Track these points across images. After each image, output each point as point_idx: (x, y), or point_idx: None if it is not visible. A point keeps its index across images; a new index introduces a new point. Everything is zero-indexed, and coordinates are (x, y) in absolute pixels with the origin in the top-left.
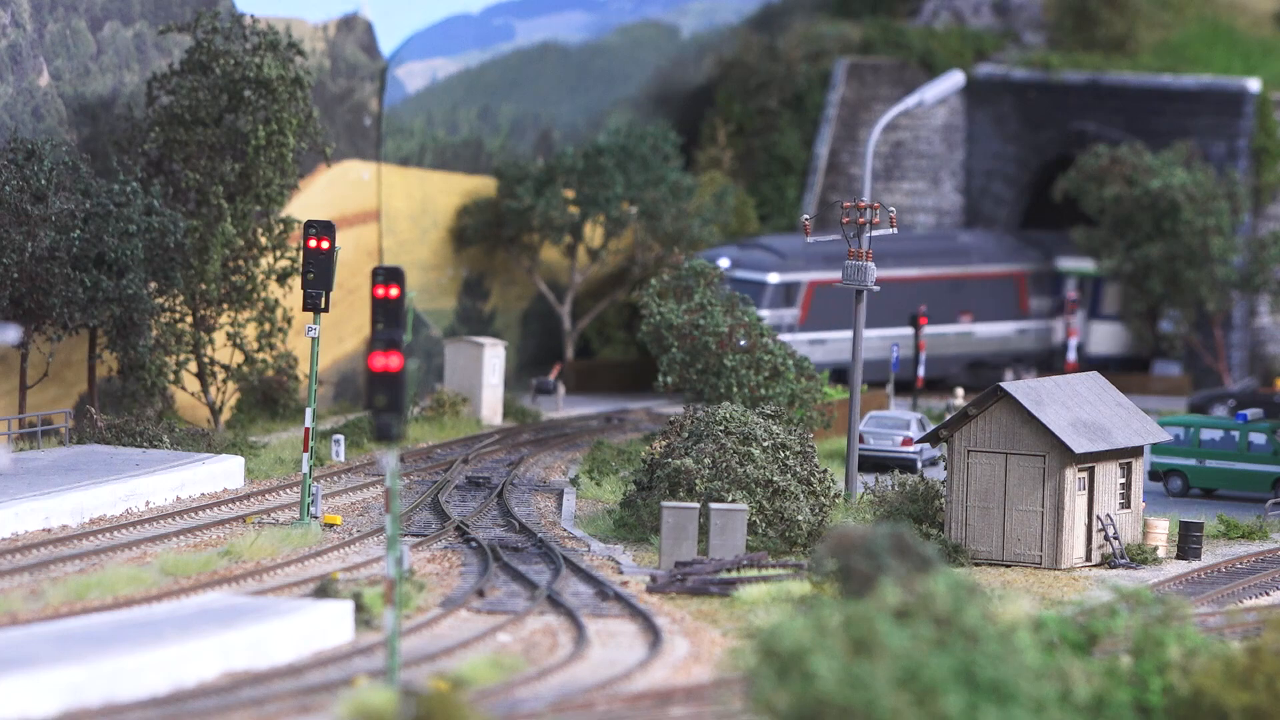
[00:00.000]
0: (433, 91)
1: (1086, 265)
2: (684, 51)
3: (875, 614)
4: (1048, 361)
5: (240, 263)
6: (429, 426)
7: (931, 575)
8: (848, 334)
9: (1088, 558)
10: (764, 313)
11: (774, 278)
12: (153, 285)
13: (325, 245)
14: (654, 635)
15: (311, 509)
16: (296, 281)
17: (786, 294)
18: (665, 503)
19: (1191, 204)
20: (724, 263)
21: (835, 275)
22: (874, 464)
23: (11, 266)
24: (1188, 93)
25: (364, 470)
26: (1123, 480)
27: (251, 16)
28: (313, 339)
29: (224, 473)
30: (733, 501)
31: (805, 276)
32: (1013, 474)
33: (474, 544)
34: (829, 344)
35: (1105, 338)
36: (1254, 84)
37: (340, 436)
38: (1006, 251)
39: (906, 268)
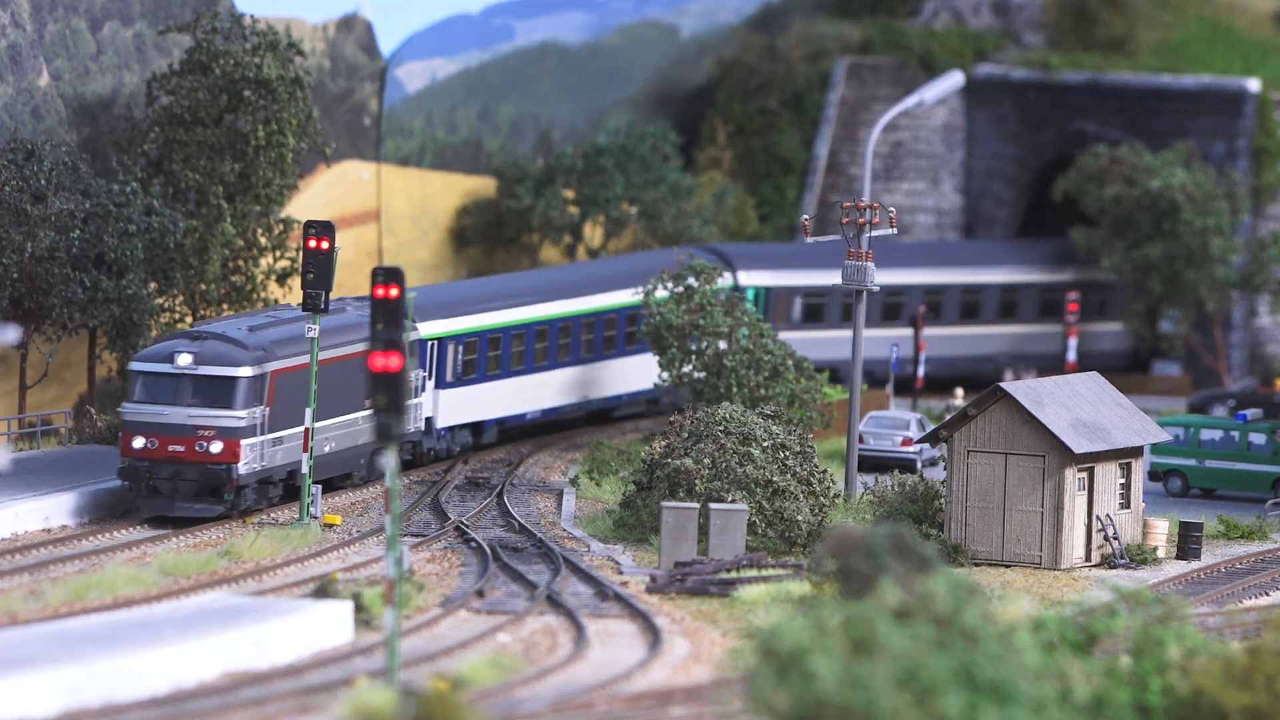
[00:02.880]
0: (432, 91)
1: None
2: (684, 51)
3: (875, 614)
4: None
5: (240, 263)
6: None
7: (931, 575)
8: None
9: (1087, 558)
10: (240, 414)
11: (246, 371)
12: (152, 285)
13: (325, 245)
14: (654, 635)
15: (311, 509)
16: (296, 281)
17: (258, 389)
18: (665, 503)
19: (1191, 204)
20: (185, 359)
21: (309, 358)
22: (874, 464)
23: (11, 266)
24: (1187, 93)
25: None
26: (1122, 480)
27: (251, 16)
28: (312, 339)
29: None
30: (732, 501)
31: (270, 366)
32: (1012, 474)
33: (474, 544)
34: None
35: None
36: (1254, 84)
37: None
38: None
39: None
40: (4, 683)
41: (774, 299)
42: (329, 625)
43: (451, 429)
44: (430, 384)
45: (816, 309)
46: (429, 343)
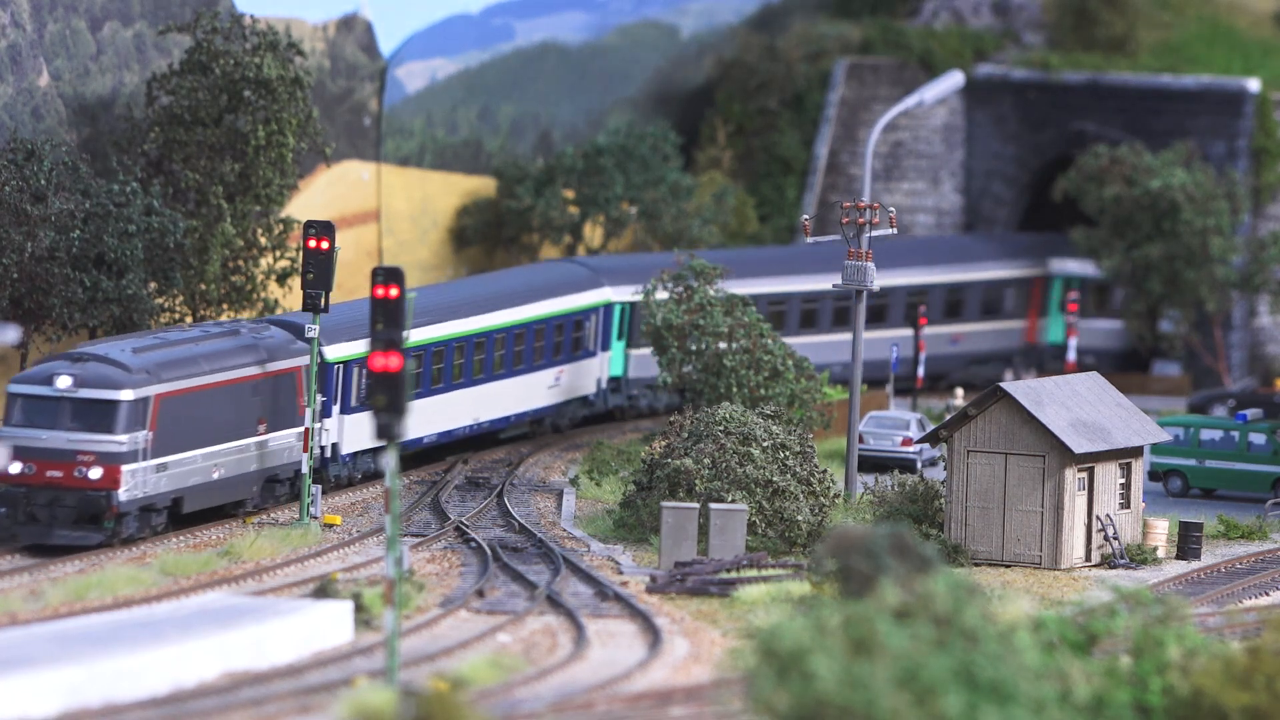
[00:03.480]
0: (432, 92)
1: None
2: (684, 51)
3: (875, 614)
4: None
5: (240, 263)
6: None
7: (931, 575)
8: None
9: (1087, 558)
10: (121, 439)
11: (127, 395)
12: (152, 285)
13: (325, 245)
14: (654, 635)
15: (311, 509)
16: (296, 282)
17: (141, 413)
18: (665, 503)
19: (1191, 204)
20: (64, 381)
21: (197, 381)
22: (874, 464)
23: (11, 266)
24: (1187, 93)
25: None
26: (1122, 480)
27: (251, 17)
28: (312, 339)
29: None
30: (732, 501)
31: (154, 389)
32: (1012, 474)
33: (474, 544)
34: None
35: None
36: (1254, 84)
37: None
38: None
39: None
40: (4, 683)
41: (638, 316)
42: (329, 625)
43: (355, 455)
44: (336, 409)
45: None
46: (335, 366)
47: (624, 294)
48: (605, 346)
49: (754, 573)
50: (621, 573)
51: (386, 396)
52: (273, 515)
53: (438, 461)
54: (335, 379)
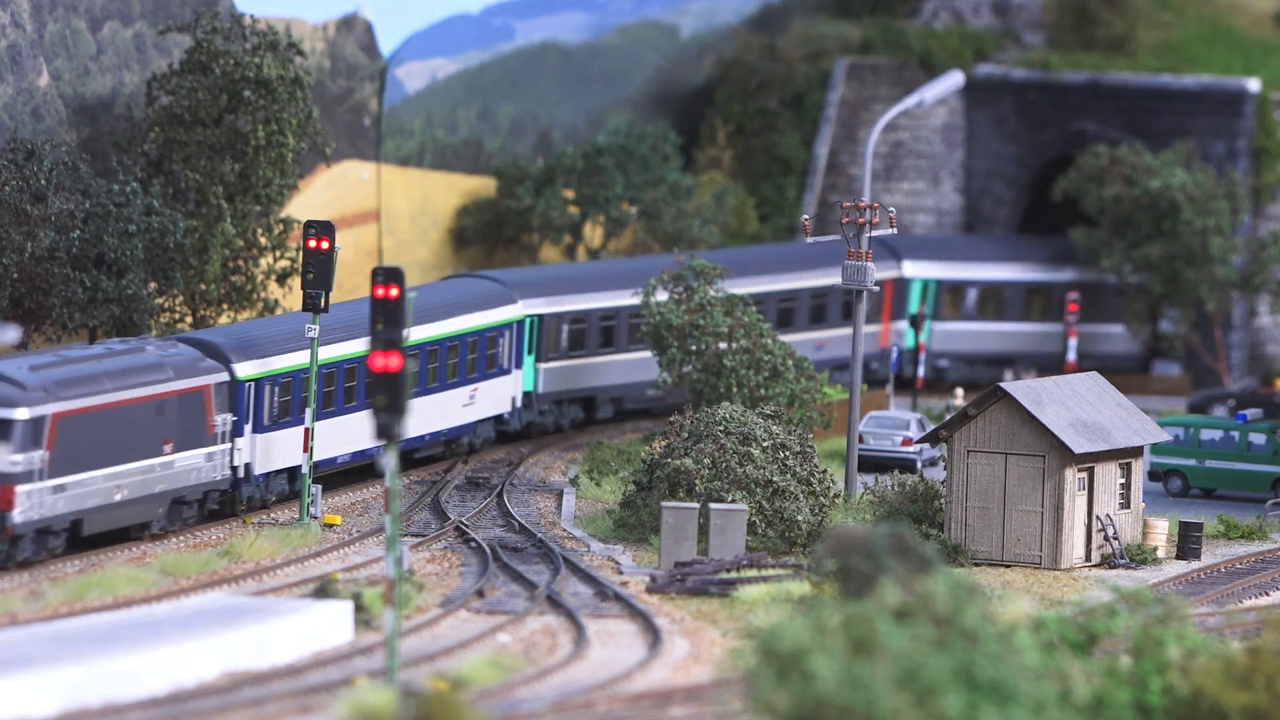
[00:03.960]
0: (432, 91)
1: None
2: (684, 51)
3: (875, 614)
4: None
5: (240, 263)
6: None
7: (931, 575)
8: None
9: (1087, 558)
10: (16, 459)
11: (22, 413)
12: (152, 285)
13: (325, 245)
14: (654, 635)
15: (311, 509)
16: (296, 282)
17: (36, 432)
18: (665, 503)
19: (1191, 204)
20: None
21: (97, 399)
22: (874, 464)
23: (11, 266)
24: (1187, 93)
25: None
26: (1122, 480)
27: (251, 17)
28: (312, 339)
29: None
30: (732, 501)
31: (51, 408)
32: (1012, 474)
33: (474, 544)
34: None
35: None
36: (1254, 84)
37: None
38: None
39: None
40: (4, 683)
41: (547, 329)
42: (329, 625)
43: (268, 475)
44: (248, 428)
45: (579, 336)
46: (245, 384)
47: (536, 307)
48: (519, 364)
49: (754, 573)
50: (621, 573)
51: (386, 396)
52: (273, 515)
53: (431, 464)
54: (246, 397)
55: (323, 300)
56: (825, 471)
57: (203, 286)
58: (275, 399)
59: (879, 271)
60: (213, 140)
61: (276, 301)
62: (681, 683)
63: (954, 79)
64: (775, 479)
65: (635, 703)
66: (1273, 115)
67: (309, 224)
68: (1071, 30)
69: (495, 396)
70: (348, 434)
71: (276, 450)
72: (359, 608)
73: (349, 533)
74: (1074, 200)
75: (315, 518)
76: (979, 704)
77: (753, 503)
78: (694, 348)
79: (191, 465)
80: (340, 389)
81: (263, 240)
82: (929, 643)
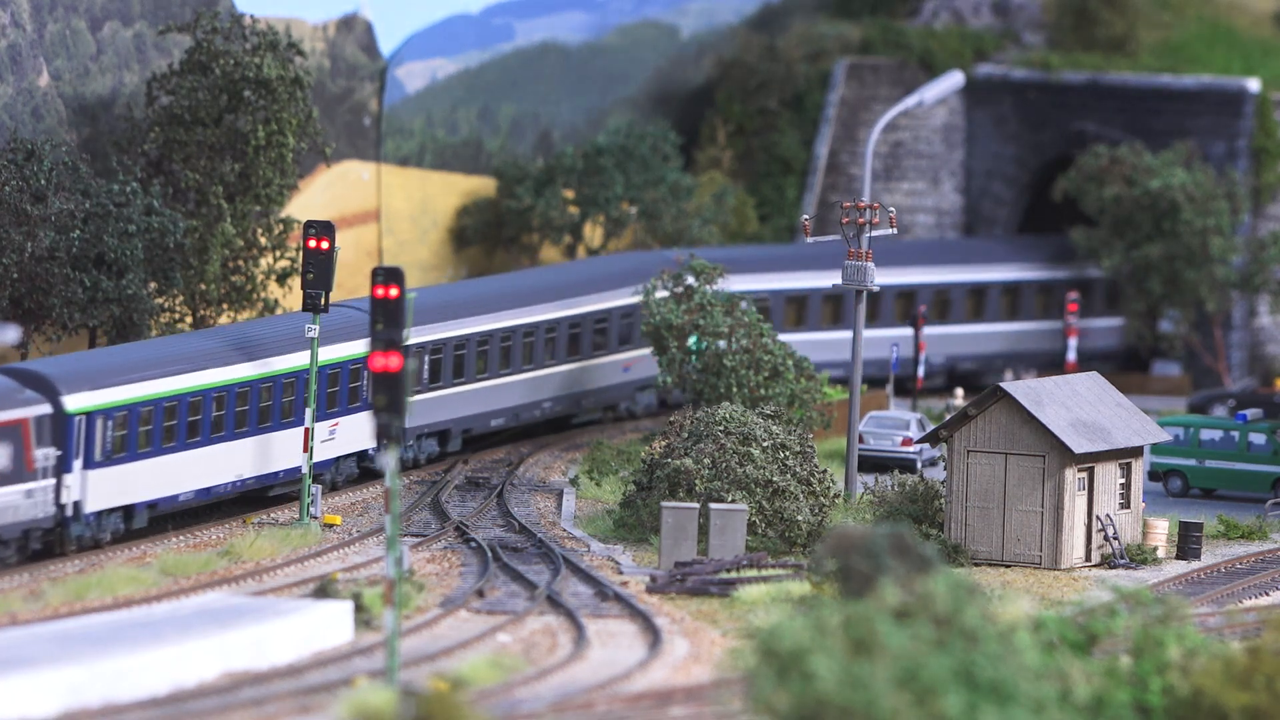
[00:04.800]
0: (432, 91)
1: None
2: (684, 51)
3: (875, 614)
4: None
5: (240, 263)
6: None
7: (931, 575)
8: None
9: (1087, 558)
10: None
11: None
12: (152, 285)
13: (325, 245)
14: (654, 635)
15: (311, 509)
16: (296, 281)
17: None
18: (665, 503)
19: (1191, 204)
20: None
21: None
22: (874, 464)
23: (11, 266)
24: (1187, 93)
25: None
26: (1122, 480)
27: (251, 16)
28: (312, 339)
29: None
30: (732, 501)
31: None
32: (1012, 474)
33: (474, 544)
34: None
35: None
36: (1254, 84)
37: None
38: None
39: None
40: (4, 683)
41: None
42: (329, 625)
43: (100, 514)
44: (78, 464)
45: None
46: (76, 419)
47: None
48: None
49: (754, 573)
50: (621, 573)
51: (387, 397)
52: (273, 515)
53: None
54: (76, 432)
55: (323, 300)
56: (825, 471)
57: (203, 286)
58: (109, 433)
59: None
60: (213, 140)
61: (277, 301)
62: (681, 683)
63: (954, 79)
64: (775, 479)
65: (635, 703)
66: (1273, 115)
67: (309, 224)
68: (1071, 30)
69: (358, 433)
70: (194, 470)
71: (111, 487)
72: (359, 608)
73: (349, 533)
74: (1074, 200)
75: (315, 518)
76: (979, 704)
77: (753, 503)
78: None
79: (7, 503)
80: (183, 423)
81: (263, 240)
82: (929, 643)
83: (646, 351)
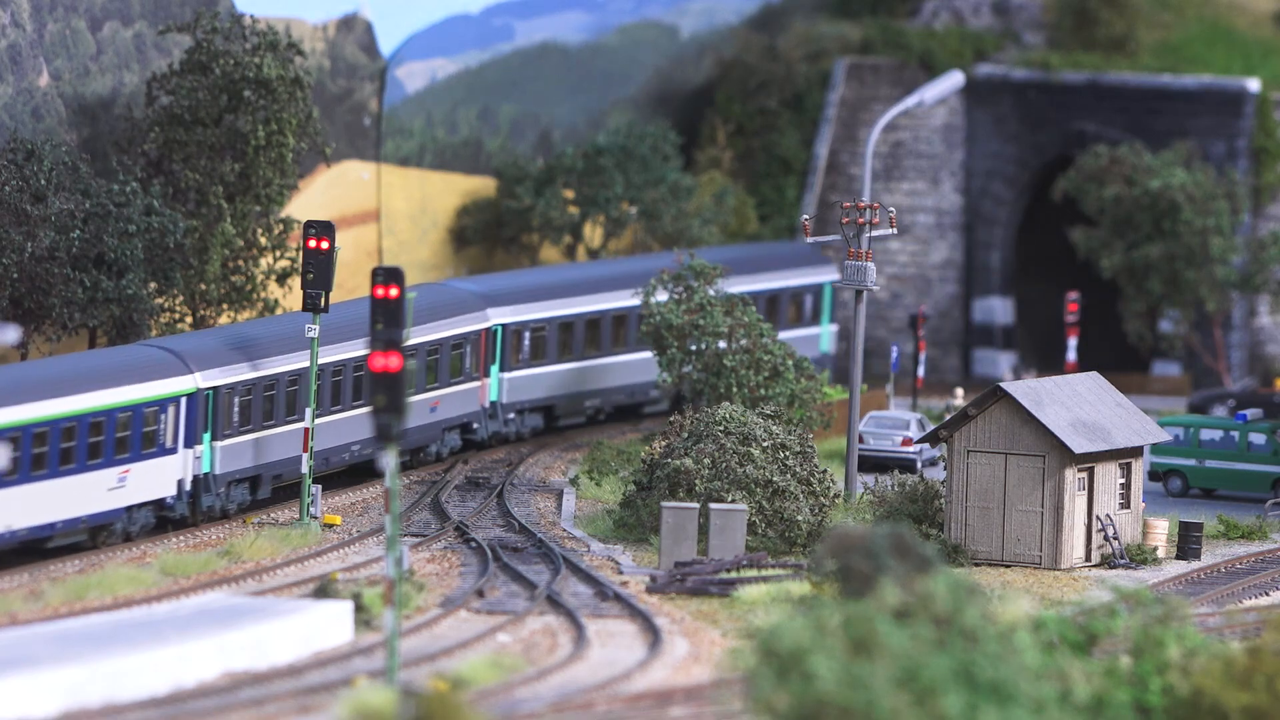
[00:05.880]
0: (432, 91)
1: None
2: (684, 51)
3: (875, 614)
4: None
5: (240, 263)
6: None
7: (931, 575)
8: None
9: (1087, 558)
10: None
11: None
12: (152, 285)
13: (325, 245)
14: (654, 635)
15: (311, 509)
16: (296, 282)
17: None
18: (665, 503)
19: (1191, 204)
20: None
21: None
22: (874, 464)
23: (11, 266)
24: (1187, 93)
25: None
26: (1122, 480)
27: (251, 17)
28: (312, 339)
29: None
30: (732, 502)
31: None
32: (1012, 474)
33: (474, 544)
34: None
35: None
36: (1254, 84)
37: None
38: None
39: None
40: (4, 683)
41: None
42: (329, 625)
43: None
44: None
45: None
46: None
47: (213, 379)
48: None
49: (754, 573)
50: (621, 573)
51: (387, 397)
52: (273, 515)
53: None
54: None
55: (323, 300)
56: (825, 471)
57: (203, 286)
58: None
59: (472, 324)
60: (213, 140)
61: (277, 301)
62: (681, 683)
63: (954, 79)
64: (775, 479)
65: (635, 703)
66: (1273, 115)
67: (309, 224)
68: (1071, 30)
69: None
70: (66, 496)
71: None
72: (359, 608)
73: (349, 533)
74: (1074, 200)
75: (315, 517)
76: (979, 704)
77: (753, 503)
78: (694, 348)
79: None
80: (55, 449)
81: (263, 240)
82: (929, 643)
83: (453, 390)
